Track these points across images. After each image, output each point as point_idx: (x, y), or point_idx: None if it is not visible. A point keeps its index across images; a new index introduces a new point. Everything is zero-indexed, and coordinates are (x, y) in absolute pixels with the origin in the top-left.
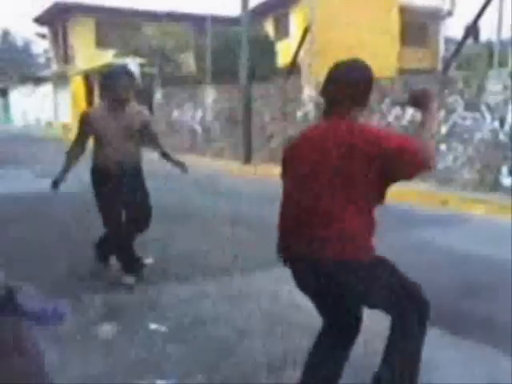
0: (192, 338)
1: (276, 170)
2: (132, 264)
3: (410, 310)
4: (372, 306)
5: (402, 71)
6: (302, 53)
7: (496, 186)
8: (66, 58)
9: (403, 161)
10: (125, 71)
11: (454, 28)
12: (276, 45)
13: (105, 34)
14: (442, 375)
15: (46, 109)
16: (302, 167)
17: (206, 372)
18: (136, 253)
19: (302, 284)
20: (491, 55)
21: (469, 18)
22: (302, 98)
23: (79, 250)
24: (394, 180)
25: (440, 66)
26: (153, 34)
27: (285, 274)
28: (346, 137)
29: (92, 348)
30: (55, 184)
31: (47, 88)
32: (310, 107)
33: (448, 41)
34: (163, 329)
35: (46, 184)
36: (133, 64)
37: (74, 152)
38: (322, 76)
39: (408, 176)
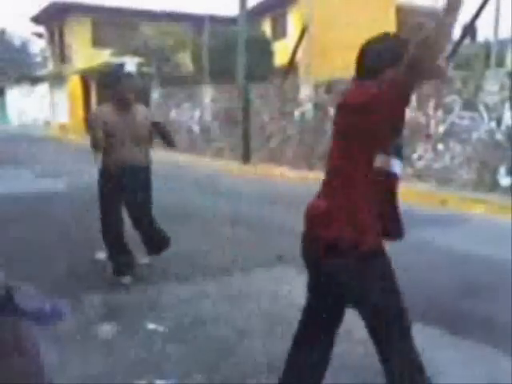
0: (192, 337)
1: (275, 170)
2: (122, 267)
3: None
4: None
5: None
6: (299, 53)
7: (494, 186)
8: (62, 57)
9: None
10: (127, 72)
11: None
12: (273, 45)
13: (102, 34)
14: (441, 375)
15: (43, 108)
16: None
17: (205, 372)
18: (130, 254)
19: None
20: (488, 55)
21: (466, 18)
22: (299, 98)
23: (79, 249)
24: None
25: None
26: (150, 34)
27: (284, 273)
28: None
29: (92, 348)
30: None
31: (44, 87)
32: (308, 107)
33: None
34: (163, 329)
35: (45, 184)
36: (130, 64)
37: (99, 142)
38: (319, 76)
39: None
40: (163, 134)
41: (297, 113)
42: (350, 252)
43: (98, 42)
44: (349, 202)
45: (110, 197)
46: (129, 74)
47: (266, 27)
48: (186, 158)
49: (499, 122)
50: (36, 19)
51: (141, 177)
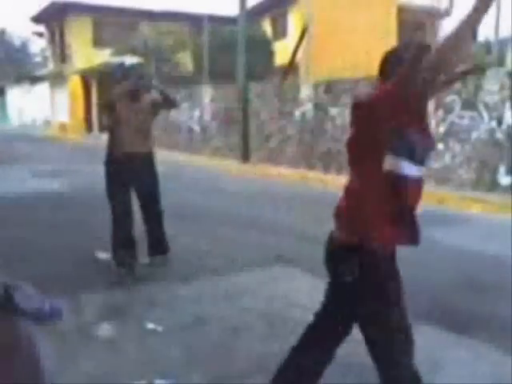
0: (191, 337)
1: (275, 170)
2: (124, 259)
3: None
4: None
5: None
6: (299, 53)
7: (494, 186)
8: (63, 57)
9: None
10: (132, 65)
11: (451, 28)
12: (273, 45)
13: (102, 33)
14: (445, 375)
15: (43, 108)
16: None
17: (204, 372)
18: (134, 247)
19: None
20: (489, 54)
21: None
22: (299, 98)
23: (79, 249)
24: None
25: None
26: (150, 34)
27: (284, 273)
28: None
29: (91, 347)
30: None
31: (44, 87)
32: (308, 107)
33: None
34: (163, 328)
35: (44, 183)
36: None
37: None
38: (319, 76)
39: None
40: (164, 98)
41: (296, 113)
42: (354, 255)
43: (98, 41)
44: (356, 204)
45: (116, 182)
46: (134, 67)
47: (266, 27)
48: (186, 157)
49: (499, 121)
50: (36, 19)
51: (146, 163)
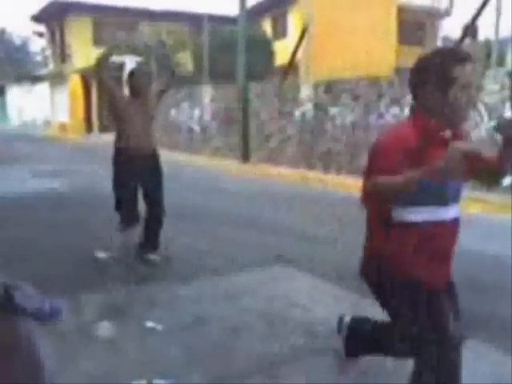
0: (191, 337)
1: (274, 170)
2: (128, 219)
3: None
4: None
5: (399, 70)
6: (299, 53)
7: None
8: (63, 56)
9: None
10: (144, 69)
11: (451, 27)
12: (274, 45)
13: (102, 33)
14: None
15: (43, 108)
16: None
17: (204, 371)
18: (137, 213)
19: None
20: (489, 55)
21: (467, 18)
22: (299, 98)
23: (78, 249)
24: None
25: None
26: (150, 33)
27: (284, 273)
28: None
29: (92, 347)
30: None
31: (44, 87)
32: (308, 107)
33: (446, 40)
34: (162, 328)
35: (44, 183)
36: (130, 62)
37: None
38: (319, 76)
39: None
40: (164, 78)
41: (296, 113)
42: (376, 274)
43: (98, 41)
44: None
45: (123, 176)
46: (138, 66)
47: (267, 27)
48: (186, 157)
49: None
50: (36, 18)
51: (152, 161)
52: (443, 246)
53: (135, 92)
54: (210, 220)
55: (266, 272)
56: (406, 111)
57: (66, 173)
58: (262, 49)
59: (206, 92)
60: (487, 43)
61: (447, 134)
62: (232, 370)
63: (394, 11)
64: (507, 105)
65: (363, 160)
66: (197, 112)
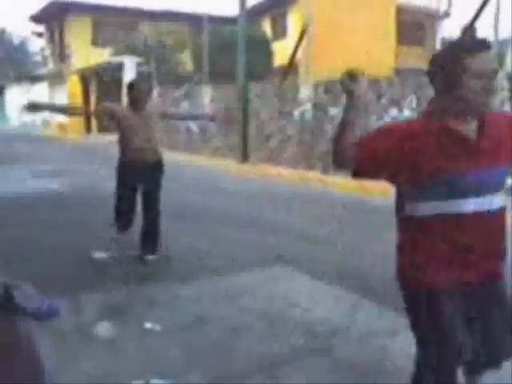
0: (191, 337)
1: (274, 170)
2: (124, 222)
3: None
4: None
5: (398, 71)
6: (299, 53)
7: None
8: (62, 56)
9: None
10: (146, 78)
11: (450, 29)
12: (273, 45)
13: (101, 33)
14: None
15: None
16: None
17: (204, 371)
18: (132, 218)
19: None
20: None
21: (466, 19)
22: (299, 98)
23: (79, 249)
24: None
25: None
26: (150, 33)
27: (283, 273)
28: None
29: (92, 347)
30: (30, 107)
31: (44, 87)
32: (307, 107)
33: (445, 41)
34: (162, 328)
35: (44, 183)
36: (130, 63)
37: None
38: (319, 76)
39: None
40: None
41: (296, 113)
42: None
43: (97, 41)
44: (399, 238)
45: (125, 187)
46: (142, 78)
47: (266, 27)
48: (185, 157)
49: None
50: (36, 18)
51: (153, 170)
52: (463, 241)
53: (135, 104)
54: (210, 220)
55: (265, 272)
56: (406, 112)
57: (66, 173)
58: (261, 49)
59: (206, 92)
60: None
61: (464, 130)
62: (232, 369)
63: (393, 12)
64: (507, 106)
65: None
66: (196, 112)
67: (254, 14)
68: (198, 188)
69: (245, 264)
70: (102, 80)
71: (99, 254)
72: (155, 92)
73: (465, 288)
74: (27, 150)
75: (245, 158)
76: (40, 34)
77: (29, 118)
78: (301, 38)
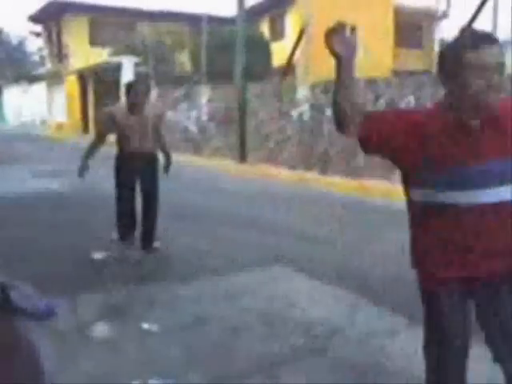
0: (191, 337)
1: (273, 170)
2: (125, 230)
3: None
4: None
5: (396, 72)
6: (297, 53)
7: None
8: (60, 56)
9: None
10: (143, 79)
11: (449, 30)
12: (272, 45)
13: (99, 33)
14: None
15: (41, 108)
16: None
17: (204, 371)
18: (134, 225)
19: None
20: None
21: (464, 20)
22: (297, 99)
23: (79, 249)
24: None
25: (435, 67)
26: (148, 33)
27: (283, 273)
28: None
29: (91, 348)
30: (81, 172)
31: (41, 87)
32: (305, 107)
33: (443, 42)
34: (162, 328)
35: (43, 183)
36: (128, 63)
37: (96, 145)
38: (319, 76)
39: None
40: (158, 132)
41: (294, 113)
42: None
43: (95, 41)
44: (411, 234)
45: (124, 181)
46: (144, 81)
47: (265, 28)
48: (185, 157)
49: None
50: (34, 18)
51: (149, 162)
52: (463, 235)
53: (133, 107)
54: (210, 220)
55: (265, 272)
56: None
57: (66, 173)
58: (260, 49)
59: (204, 92)
60: None
61: (471, 122)
62: (232, 369)
63: (391, 12)
64: None
65: (360, 161)
66: (194, 112)
67: (252, 15)
68: (197, 188)
69: (245, 264)
70: (100, 80)
71: (99, 254)
72: (154, 93)
73: (467, 285)
74: (27, 149)
75: (243, 158)
76: (38, 34)
77: (27, 117)
78: (299, 39)
